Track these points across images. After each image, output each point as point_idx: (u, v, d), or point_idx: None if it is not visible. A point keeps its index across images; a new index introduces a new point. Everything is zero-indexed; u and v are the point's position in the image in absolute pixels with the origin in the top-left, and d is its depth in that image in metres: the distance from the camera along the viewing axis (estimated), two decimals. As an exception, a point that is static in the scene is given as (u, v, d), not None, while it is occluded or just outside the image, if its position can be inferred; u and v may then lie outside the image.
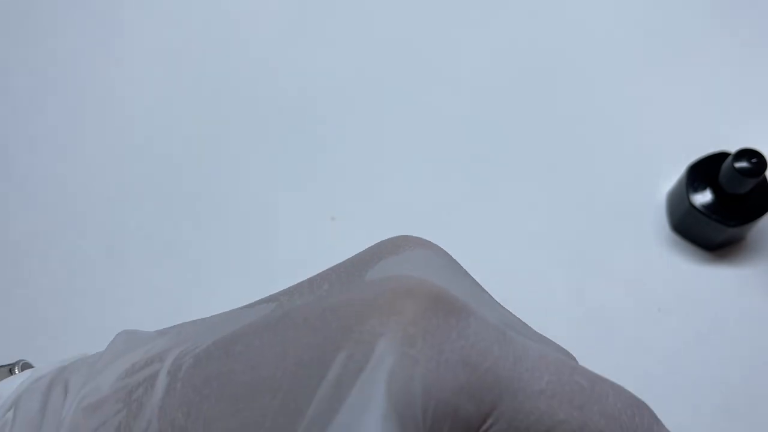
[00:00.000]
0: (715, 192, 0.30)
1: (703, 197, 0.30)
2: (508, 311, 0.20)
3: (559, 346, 0.19)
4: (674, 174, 0.33)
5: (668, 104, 0.36)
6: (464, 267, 0.19)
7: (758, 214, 0.30)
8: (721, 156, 0.31)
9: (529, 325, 0.19)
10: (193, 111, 0.37)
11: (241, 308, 0.19)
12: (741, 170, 0.29)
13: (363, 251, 0.19)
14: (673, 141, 0.34)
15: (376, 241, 0.20)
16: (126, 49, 0.38)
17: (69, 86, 0.37)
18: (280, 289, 0.20)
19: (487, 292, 0.20)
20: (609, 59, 0.37)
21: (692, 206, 0.30)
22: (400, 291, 0.16)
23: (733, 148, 0.30)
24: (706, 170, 0.31)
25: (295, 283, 0.20)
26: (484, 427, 0.16)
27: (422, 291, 0.16)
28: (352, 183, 0.34)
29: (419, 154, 0.35)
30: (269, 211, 0.34)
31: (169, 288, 0.32)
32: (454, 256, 0.19)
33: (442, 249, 0.19)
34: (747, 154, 0.29)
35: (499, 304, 0.20)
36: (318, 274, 0.19)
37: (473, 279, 0.20)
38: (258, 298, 0.20)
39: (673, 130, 0.35)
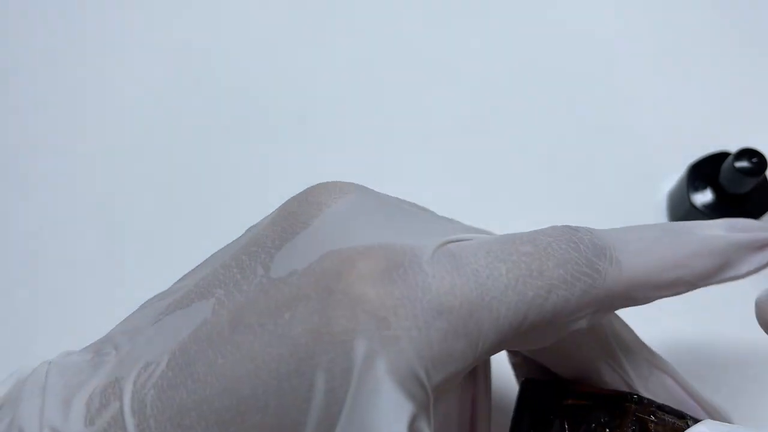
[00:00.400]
0: (715, 192, 0.30)
1: (703, 197, 0.30)
2: (424, 210, 0.20)
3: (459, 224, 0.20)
4: (675, 174, 0.33)
5: (668, 104, 0.36)
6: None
7: (758, 214, 0.30)
8: (722, 156, 0.31)
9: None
10: (194, 111, 0.37)
11: (171, 305, 0.18)
12: (741, 170, 0.29)
13: (280, 214, 0.19)
14: (673, 141, 0.34)
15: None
16: (126, 49, 0.38)
17: (69, 86, 0.37)
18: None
19: (407, 207, 0.19)
20: (608, 59, 0.37)
21: (693, 206, 0.30)
22: (347, 272, 0.16)
23: (733, 148, 0.30)
24: (706, 170, 0.31)
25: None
26: (479, 351, 0.16)
27: (369, 264, 0.16)
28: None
29: (418, 156, 0.35)
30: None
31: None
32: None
33: (355, 186, 0.19)
34: (747, 153, 0.29)
35: (418, 207, 0.20)
36: (239, 249, 0.18)
37: (394, 201, 0.19)
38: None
39: (673, 130, 0.35)
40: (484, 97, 0.36)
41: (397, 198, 0.20)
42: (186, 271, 0.20)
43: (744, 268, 0.19)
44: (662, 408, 0.19)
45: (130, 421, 0.16)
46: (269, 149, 0.35)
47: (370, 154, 0.35)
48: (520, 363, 0.23)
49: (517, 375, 0.24)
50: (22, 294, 0.32)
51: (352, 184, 0.19)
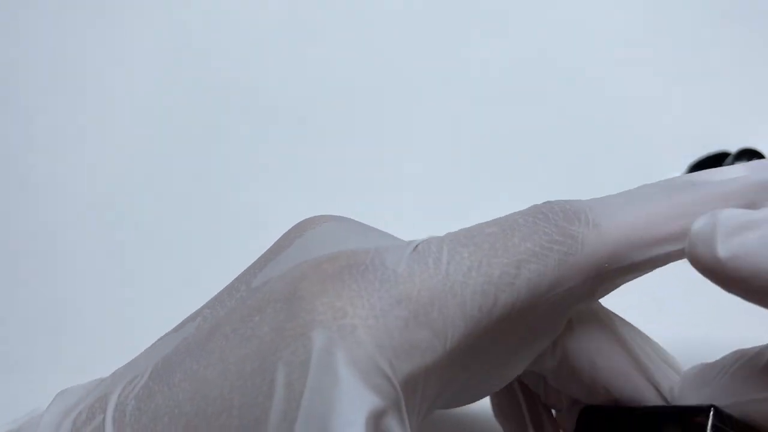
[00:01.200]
0: (715, 192, 0.30)
1: (703, 197, 0.30)
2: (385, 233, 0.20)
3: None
4: (674, 174, 0.33)
5: (668, 104, 0.36)
6: None
7: (758, 214, 0.30)
8: (722, 156, 0.31)
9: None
10: (194, 112, 0.37)
11: (169, 333, 0.19)
12: (741, 170, 0.29)
13: (270, 246, 0.19)
14: (673, 141, 0.34)
15: None
16: (126, 49, 0.38)
17: (69, 86, 0.37)
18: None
19: (383, 233, 0.20)
20: (608, 59, 0.37)
21: (692, 206, 0.30)
22: (312, 274, 0.16)
23: (733, 148, 0.30)
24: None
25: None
26: (449, 341, 0.16)
27: (333, 265, 0.16)
28: (353, 186, 0.34)
29: (418, 155, 0.35)
30: (270, 213, 0.34)
31: (170, 288, 0.32)
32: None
33: (340, 217, 0.19)
34: (747, 153, 0.29)
35: (397, 239, 0.20)
36: (236, 279, 0.19)
37: (372, 228, 0.20)
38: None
39: (673, 130, 0.35)
40: (483, 98, 0.36)
41: (377, 229, 0.20)
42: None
43: None
44: (746, 428, 0.17)
45: (110, 430, 0.16)
46: (270, 150, 0.35)
47: (370, 155, 0.35)
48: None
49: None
50: (23, 294, 0.32)
51: (333, 215, 0.20)
